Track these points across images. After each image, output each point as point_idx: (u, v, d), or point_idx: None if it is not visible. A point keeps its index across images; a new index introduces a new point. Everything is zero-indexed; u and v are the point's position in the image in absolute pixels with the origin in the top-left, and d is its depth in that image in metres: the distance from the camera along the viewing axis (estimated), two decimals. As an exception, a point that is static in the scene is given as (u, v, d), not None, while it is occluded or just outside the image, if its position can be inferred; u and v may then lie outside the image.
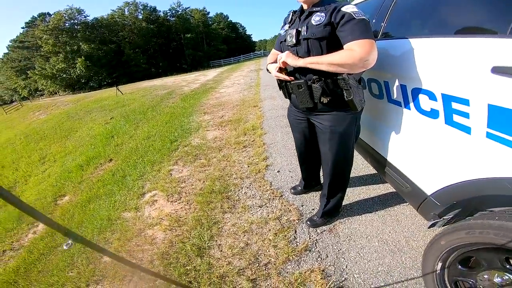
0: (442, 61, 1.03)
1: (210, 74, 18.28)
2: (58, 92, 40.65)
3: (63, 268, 2.01)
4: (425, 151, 1.21)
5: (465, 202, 1.04)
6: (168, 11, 47.85)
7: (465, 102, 0.94)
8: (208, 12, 53.03)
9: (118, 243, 2.07)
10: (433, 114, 1.12)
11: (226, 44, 53.24)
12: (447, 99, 1.02)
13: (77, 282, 1.82)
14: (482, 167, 0.92)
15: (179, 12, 48.21)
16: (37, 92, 45.15)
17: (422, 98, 1.16)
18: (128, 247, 2.00)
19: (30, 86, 44.32)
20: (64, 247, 0.39)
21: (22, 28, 43.07)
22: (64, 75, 38.15)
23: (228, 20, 59.60)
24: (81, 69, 36.46)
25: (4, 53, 48.14)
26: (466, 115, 0.95)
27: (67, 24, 38.51)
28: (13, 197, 0.26)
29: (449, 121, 1.05)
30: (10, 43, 45.21)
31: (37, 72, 38.71)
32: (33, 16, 41.67)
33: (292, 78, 1.36)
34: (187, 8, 49.78)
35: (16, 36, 44.38)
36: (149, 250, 1.93)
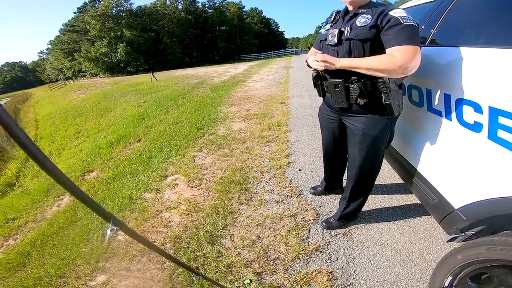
0: (494, 72, 0.97)
1: (240, 67, 18.43)
2: (99, 74, 43.50)
3: (78, 243, 2.10)
4: (460, 164, 1.15)
5: (492, 219, 1.01)
6: (206, 3, 49.02)
7: None
8: (244, 6, 53.34)
9: (135, 222, 2.17)
10: (475, 127, 1.06)
11: (258, 39, 53.39)
12: (494, 113, 0.96)
13: (88, 258, 1.89)
14: None
15: (216, 4, 49.11)
16: (80, 73, 48.70)
17: (466, 109, 1.10)
18: (144, 228, 2.09)
19: (75, 67, 47.96)
20: (108, 233, 0.40)
21: (74, 13, 46.49)
22: (106, 59, 40.71)
23: (262, 15, 59.73)
24: (122, 54, 38.70)
25: (56, 36, 52.40)
26: None
27: (113, 11, 40.94)
28: (59, 171, 0.27)
29: (492, 136, 0.99)
30: (62, 27, 49.06)
31: (82, 55, 41.74)
32: (85, 1, 44.71)
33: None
34: (224, 1, 50.47)
35: (68, 21, 48.04)
36: (163, 232, 2.00)
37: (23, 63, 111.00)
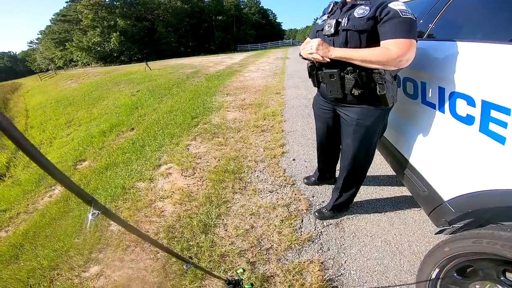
0: (488, 67, 0.98)
1: (236, 57, 18.18)
2: (91, 64, 42.44)
3: (70, 234, 2.08)
4: (451, 157, 1.17)
5: (479, 212, 1.03)
6: (203, -8, 47.58)
7: (506, 111, 0.89)
8: (242, -4, 52.21)
9: (128, 212, 2.16)
10: (468, 120, 1.08)
11: (255, 29, 52.52)
12: (487, 106, 0.98)
13: (81, 249, 1.89)
14: (510, 178, 0.89)
15: (214, -6, 47.80)
16: (72, 63, 47.49)
17: (460, 102, 1.11)
18: (137, 217, 2.08)
19: (66, 57, 46.72)
20: (90, 217, 0.37)
21: (66, 2, 45.07)
22: (99, 48, 39.63)
23: (260, 6, 58.56)
24: (115, 43, 37.68)
25: (47, 26, 50.80)
26: (504, 124, 0.91)
27: (107, 0, 39.63)
28: (42, 157, 0.26)
29: (484, 129, 1.00)
30: (54, 16, 47.59)
31: (74, 45, 40.57)
32: (78, -10, 43.19)
33: (328, 59, 1.28)
34: (222, -10, 49.18)
35: (60, 10, 46.53)
36: (156, 222, 2.00)
37: (12, 53, 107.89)
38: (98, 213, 0.34)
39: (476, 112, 1.02)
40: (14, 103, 18.16)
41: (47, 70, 49.96)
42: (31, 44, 74.94)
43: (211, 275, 1.20)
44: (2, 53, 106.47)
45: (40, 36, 57.51)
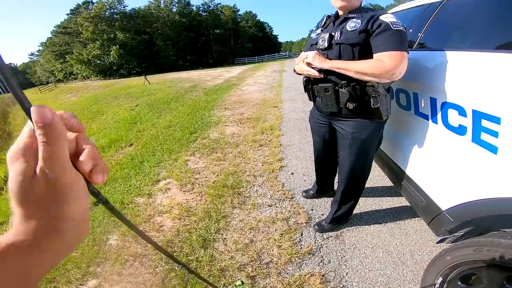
0: (477, 76, 1.00)
1: (234, 71, 18.47)
2: (90, 77, 42.98)
3: None
4: (446, 167, 1.18)
5: (479, 220, 1.03)
6: (200, 6, 49.21)
7: (496, 120, 0.90)
8: (238, 10, 53.66)
9: (127, 227, 2.13)
10: (460, 130, 1.09)
11: (252, 42, 53.67)
12: (478, 116, 0.99)
13: (79, 262, 1.86)
14: (504, 187, 0.89)
15: (211, 7, 49.30)
16: (71, 76, 48.07)
17: (451, 113, 1.13)
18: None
19: (66, 69, 47.36)
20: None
21: (67, 14, 46.06)
22: (98, 61, 40.31)
23: (257, 19, 60.04)
24: (114, 56, 38.38)
25: (47, 37, 51.62)
26: (495, 134, 0.92)
27: (107, 13, 40.65)
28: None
29: (476, 139, 1.01)
30: (54, 28, 48.40)
31: (74, 57, 41.23)
32: (78, 3, 44.39)
33: (322, 75, 1.34)
34: (219, 4, 50.70)
35: (61, 22, 47.42)
36: (156, 237, 1.98)
37: (13, 65, 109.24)
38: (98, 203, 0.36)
39: (467, 122, 1.03)
40: (13, 116, 18.20)
41: (47, 83, 50.49)
42: (31, 56, 76.20)
43: (207, 282, 1.17)
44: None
45: (41, 48, 58.54)
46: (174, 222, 2.11)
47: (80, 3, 44.09)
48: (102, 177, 0.29)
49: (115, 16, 41.29)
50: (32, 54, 76.15)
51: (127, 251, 1.87)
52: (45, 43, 52.60)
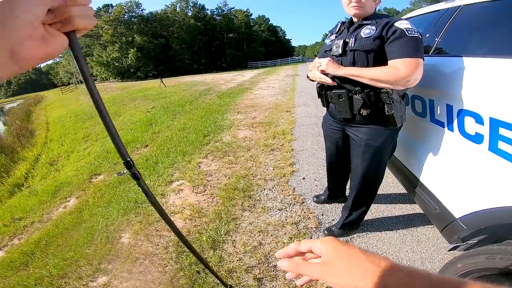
0: (496, 83, 0.98)
1: (247, 74, 18.62)
2: (109, 79, 44.54)
3: (82, 244, 2.13)
4: (461, 175, 1.16)
5: (493, 228, 1.01)
6: (214, 10, 50.06)
7: None
8: (251, 14, 54.28)
9: (139, 225, 2.20)
10: (477, 138, 1.07)
11: (264, 46, 54.00)
12: (495, 124, 0.97)
13: (91, 259, 1.93)
14: None
15: (225, 11, 50.09)
16: (91, 77, 49.94)
17: (468, 120, 1.11)
18: (148, 231, 2.12)
19: (86, 71, 49.24)
20: (115, 175, 0.44)
21: (89, 17, 48.22)
22: (117, 64, 41.75)
23: (269, 23, 60.44)
24: (132, 59, 39.63)
25: (70, 39, 54.11)
26: None
27: (126, 16, 42.09)
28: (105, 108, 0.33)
29: (493, 147, 0.99)
30: (77, 30, 50.77)
31: (94, 59, 42.88)
32: (99, 7, 46.23)
33: (335, 82, 1.35)
34: (232, 8, 51.48)
35: (82, 24, 49.68)
36: (167, 236, 2.03)
37: (37, 66, 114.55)
38: (124, 173, 0.39)
39: (484, 130, 1.01)
40: (36, 115, 19.04)
41: (68, 83, 52.74)
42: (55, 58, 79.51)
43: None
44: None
45: None
46: (185, 223, 2.15)
47: (101, 7, 45.93)
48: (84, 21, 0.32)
49: (133, 19, 42.66)
50: (55, 55, 79.43)
51: (138, 249, 1.93)
52: (67, 45, 55.10)
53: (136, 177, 0.38)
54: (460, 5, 1.44)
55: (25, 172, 6.49)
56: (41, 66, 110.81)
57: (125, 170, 0.39)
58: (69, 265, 1.92)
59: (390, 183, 2.40)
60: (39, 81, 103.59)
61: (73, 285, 1.74)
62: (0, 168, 7.20)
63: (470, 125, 1.09)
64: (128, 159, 0.35)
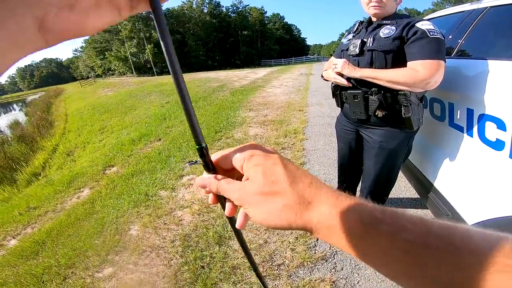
0: None
1: (260, 72, 18.56)
2: (126, 74, 45.75)
3: (92, 234, 2.19)
4: (478, 181, 1.12)
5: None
6: (229, 7, 50.40)
7: None
8: (266, 12, 54.15)
9: (148, 218, 2.24)
10: (497, 145, 1.03)
11: (279, 44, 53.77)
12: None
13: (100, 250, 1.97)
14: None
15: (240, 9, 50.27)
16: (109, 72, 51.64)
17: (489, 126, 1.06)
18: (156, 224, 2.16)
19: (105, 65, 51.05)
20: (187, 165, 0.38)
21: (108, 12, 49.79)
22: (134, 59, 42.80)
23: (284, 21, 59.93)
24: (149, 55, 40.45)
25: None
26: None
27: (144, 12, 42.99)
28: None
29: None
30: (98, 25, 52.71)
31: (113, 54, 44.24)
32: (118, 2, 47.56)
33: (350, 84, 1.32)
34: (247, 5, 51.52)
35: (102, 20, 51.41)
36: (174, 230, 2.06)
37: (59, 60, 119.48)
38: (196, 161, 0.33)
39: (506, 136, 0.97)
40: (56, 107, 19.81)
41: (88, 77, 54.65)
42: (75, 52, 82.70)
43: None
44: (51, 59, 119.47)
45: (84, 44, 63.67)
46: (193, 217, 2.18)
47: (121, 2, 47.16)
48: None
49: (151, 15, 43.55)
50: (76, 50, 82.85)
51: (146, 241, 1.97)
52: (87, 40, 57.00)
53: (209, 167, 0.32)
54: (487, 7, 1.38)
55: (43, 162, 6.75)
56: (63, 60, 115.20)
57: (198, 159, 0.32)
58: (78, 255, 1.97)
59: (402, 187, 2.34)
60: (60, 75, 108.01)
61: (79, 275, 1.79)
62: (20, 157, 7.54)
63: (491, 130, 1.05)
64: (204, 145, 0.30)
